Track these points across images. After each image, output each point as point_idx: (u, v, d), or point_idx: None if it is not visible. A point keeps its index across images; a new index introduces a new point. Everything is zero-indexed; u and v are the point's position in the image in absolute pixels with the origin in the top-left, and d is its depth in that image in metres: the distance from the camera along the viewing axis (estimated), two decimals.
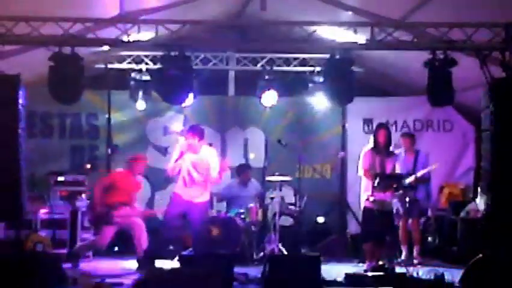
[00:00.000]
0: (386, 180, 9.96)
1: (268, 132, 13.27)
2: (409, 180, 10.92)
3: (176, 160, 10.17)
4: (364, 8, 10.07)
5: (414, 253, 11.35)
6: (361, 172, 10.31)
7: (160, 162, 12.44)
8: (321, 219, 12.96)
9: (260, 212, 11.72)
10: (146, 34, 9.28)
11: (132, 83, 12.57)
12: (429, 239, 12.45)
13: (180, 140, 10.36)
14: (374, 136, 10.32)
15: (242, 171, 12.62)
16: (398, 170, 10.44)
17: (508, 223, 8.89)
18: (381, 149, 10.18)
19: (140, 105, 12.69)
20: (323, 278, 8.91)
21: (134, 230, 10.52)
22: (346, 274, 9.32)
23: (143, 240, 10.46)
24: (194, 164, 10.28)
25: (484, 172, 9.12)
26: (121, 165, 11.38)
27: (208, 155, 10.37)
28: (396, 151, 10.85)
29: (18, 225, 10.73)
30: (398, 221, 11.17)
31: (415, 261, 11.10)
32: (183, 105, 10.84)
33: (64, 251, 11.19)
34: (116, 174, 10.98)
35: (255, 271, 9.77)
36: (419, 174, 11.12)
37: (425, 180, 11.40)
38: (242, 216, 11.61)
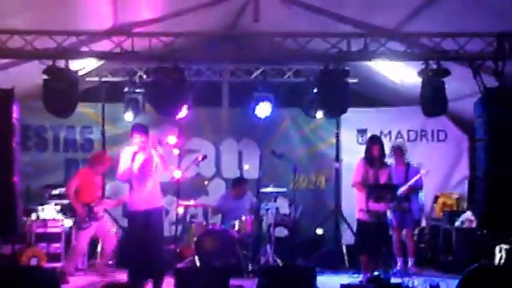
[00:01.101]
0: (379, 191, 9.98)
1: (262, 143, 13.28)
2: (402, 189, 10.94)
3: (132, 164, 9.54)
4: (357, 18, 10.10)
5: (410, 263, 11.35)
6: (353, 183, 10.34)
7: None
8: (320, 231, 12.93)
9: (255, 223, 11.71)
10: (139, 46, 9.28)
11: (126, 95, 12.57)
12: (424, 249, 12.46)
13: (127, 150, 9.70)
14: (367, 149, 10.33)
15: (238, 185, 12.59)
16: (392, 181, 10.48)
17: (502, 232, 8.91)
18: (375, 161, 10.20)
19: (128, 116, 12.60)
20: None
21: (103, 240, 10.93)
22: (341, 285, 9.30)
23: (108, 250, 10.85)
24: (144, 164, 9.63)
25: (478, 181, 9.13)
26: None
27: (156, 152, 9.71)
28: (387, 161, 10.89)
29: (13, 239, 10.71)
30: (393, 231, 11.19)
31: (410, 272, 11.10)
32: (177, 117, 10.83)
33: (59, 264, 11.16)
34: (80, 174, 11.00)
35: (250, 283, 9.77)
36: (411, 181, 11.14)
37: (418, 188, 11.41)
38: (237, 228, 11.59)
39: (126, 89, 12.54)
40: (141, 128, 9.74)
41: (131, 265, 9.63)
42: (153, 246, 9.51)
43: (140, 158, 9.53)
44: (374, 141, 10.42)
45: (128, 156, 9.50)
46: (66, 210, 11.75)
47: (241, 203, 12.31)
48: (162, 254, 9.83)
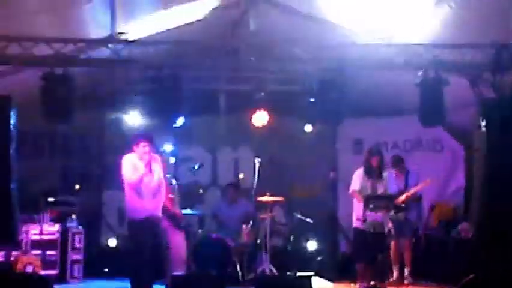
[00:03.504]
0: (377, 201, 9.98)
1: (259, 152, 13.27)
2: (401, 198, 10.94)
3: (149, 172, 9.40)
4: (355, 27, 10.11)
5: (406, 273, 11.35)
6: (351, 191, 10.35)
7: None
8: (312, 245, 12.91)
9: (251, 232, 11.70)
10: (137, 54, 9.28)
11: (123, 103, 12.54)
12: (420, 259, 12.43)
13: (133, 157, 9.50)
14: (367, 161, 10.33)
15: (227, 189, 12.71)
16: (389, 191, 10.49)
17: (499, 242, 8.92)
18: (373, 173, 10.22)
19: (126, 123, 12.50)
20: None
21: None
22: None
23: None
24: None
25: (474, 191, 9.13)
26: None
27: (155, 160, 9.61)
28: (385, 173, 10.89)
29: (9, 247, 10.69)
30: (390, 241, 11.18)
31: (406, 281, 11.11)
32: (174, 125, 10.83)
33: (54, 272, 11.14)
34: None
35: None
36: (410, 192, 11.12)
37: (417, 199, 11.42)
38: (233, 236, 11.61)
39: (123, 96, 12.51)
40: (149, 136, 9.61)
41: (138, 273, 9.30)
42: (162, 253, 9.40)
43: (156, 167, 9.42)
44: (374, 153, 10.43)
45: (138, 163, 9.30)
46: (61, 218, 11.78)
47: (235, 209, 12.35)
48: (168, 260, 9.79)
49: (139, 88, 12.28)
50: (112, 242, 12.78)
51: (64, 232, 11.64)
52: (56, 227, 11.63)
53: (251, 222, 11.82)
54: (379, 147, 11.55)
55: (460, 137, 13.23)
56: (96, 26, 9.64)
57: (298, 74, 12.71)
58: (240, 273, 11.29)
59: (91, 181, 12.96)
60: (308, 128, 13.18)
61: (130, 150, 9.43)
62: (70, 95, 9.04)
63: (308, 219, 12.08)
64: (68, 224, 11.73)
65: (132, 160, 9.31)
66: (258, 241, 11.79)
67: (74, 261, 11.58)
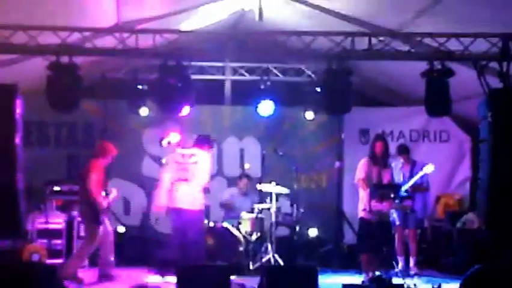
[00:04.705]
0: (382, 190, 9.97)
1: (264, 142, 13.25)
2: (405, 188, 10.90)
3: None
4: (362, 18, 10.08)
5: (411, 264, 11.32)
6: (357, 180, 10.33)
7: (155, 172, 12.37)
8: (313, 232, 12.88)
9: (257, 222, 11.68)
10: (143, 43, 9.25)
11: (129, 92, 12.50)
12: (426, 249, 12.43)
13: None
14: (372, 147, 10.33)
15: (240, 180, 12.74)
16: (395, 181, 10.49)
17: (506, 233, 8.89)
18: (379, 160, 10.20)
19: (143, 111, 12.51)
20: None
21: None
22: (343, 285, 9.28)
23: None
24: None
25: (481, 183, 9.10)
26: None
27: None
28: (393, 164, 10.86)
29: (15, 236, 10.70)
30: (395, 231, 11.16)
31: (412, 272, 11.08)
32: (180, 115, 10.81)
33: (60, 260, 11.15)
34: (96, 166, 10.65)
35: (251, 281, 9.74)
36: (411, 181, 11.07)
37: (424, 189, 11.39)
38: (239, 226, 11.61)
39: (129, 86, 12.47)
40: None
41: None
42: None
43: None
44: (378, 139, 10.44)
45: None
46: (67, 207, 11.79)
47: (246, 201, 12.36)
48: None
49: (145, 77, 12.28)
50: (121, 229, 12.77)
51: (69, 221, 11.66)
52: (62, 216, 11.64)
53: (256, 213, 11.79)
54: (383, 134, 11.58)
55: (466, 127, 13.22)
56: (102, 15, 9.63)
57: (304, 64, 12.74)
58: (245, 263, 11.29)
59: None
60: (314, 117, 13.14)
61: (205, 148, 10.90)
62: (75, 84, 9.03)
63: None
64: (74, 213, 11.73)
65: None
66: (264, 231, 11.76)
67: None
